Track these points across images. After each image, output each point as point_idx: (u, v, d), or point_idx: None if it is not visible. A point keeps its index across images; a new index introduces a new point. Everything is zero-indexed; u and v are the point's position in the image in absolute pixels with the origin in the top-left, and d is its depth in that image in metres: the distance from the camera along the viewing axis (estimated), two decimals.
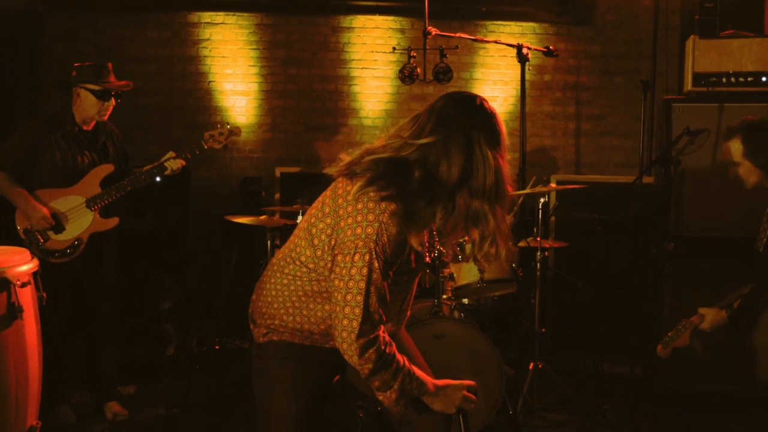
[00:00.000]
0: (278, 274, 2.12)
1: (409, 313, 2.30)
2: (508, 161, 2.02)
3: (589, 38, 5.53)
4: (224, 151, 4.16)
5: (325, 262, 2.01)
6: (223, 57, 5.52)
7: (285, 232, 4.05)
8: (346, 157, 2.06)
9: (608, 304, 4.40)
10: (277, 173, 5.29)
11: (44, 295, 2.82)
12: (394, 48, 5.19)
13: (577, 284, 4.26)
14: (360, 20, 5.52)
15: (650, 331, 4.26)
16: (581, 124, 5.59)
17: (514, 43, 4.33)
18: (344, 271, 1.93)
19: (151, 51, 5.49)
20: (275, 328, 2.12)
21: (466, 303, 4.01)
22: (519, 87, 4.40)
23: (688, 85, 4.19)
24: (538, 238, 4.01)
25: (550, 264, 4.83)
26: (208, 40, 5.50)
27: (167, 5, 5.48)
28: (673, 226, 4.18)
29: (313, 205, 2.11)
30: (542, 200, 4.02)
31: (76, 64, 3.71)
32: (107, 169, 3.72)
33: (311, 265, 2.04)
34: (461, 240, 2.10)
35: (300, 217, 4.06)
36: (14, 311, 2.57)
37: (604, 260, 4.41)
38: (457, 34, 4.44)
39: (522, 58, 4.29)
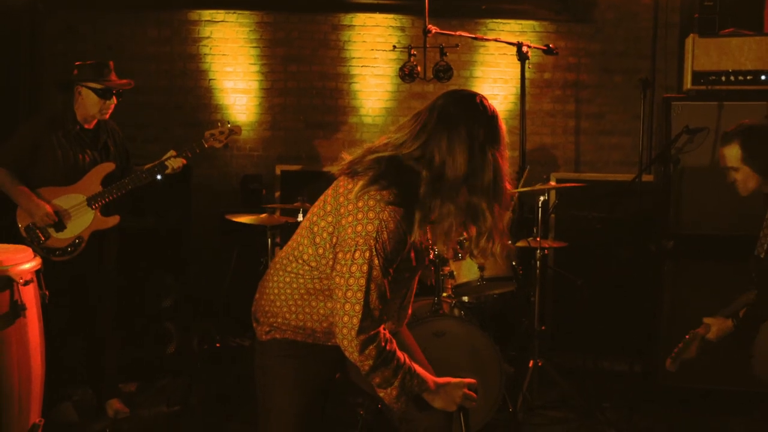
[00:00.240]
0: (281, 272, 2.13)
1: (410, 311, 2.32)
2: (507, 159, 2.03)
3: (588, 36, 5.53)
4: (225, 149, 4.16)
5: (326, 260, 2.02)
6: (223, 55, 5.51)
7: (285, 230, 4.06)
8: (347, 156, 2.08)
9: (608, 301, 4.41)
10: (278, 171, 5.29)
11: (47, 293, 2.82)
12: (394, 46, 5.20)
13: (576, 282, 4.27)
14: (360, 18, 5.52)
15: (650, 329, 4.27)
16: (581, 122, 5.59)
17: (514, 41, 4.35)
18: (345, 269, 1.94)
19: (151, 49, 5.48)
20: (278, 325, 2.13)
21: (466, 301, 4.02)
22: (519, 85, 4.41)
23: (688, 84, 4.19)
24: (538, 238, 4.02)
25: (550, 262, 4.83)
26: (208, 38, 5.50)
27: (167, 3, 5.47)
28: (673, 224, 4.18)
29: (315, 203, 2.12)
30: (542, 198, 4.03)
31: (77, 63, 3.71)
32: (108, 167, 3.73)
33: (313, 263, 2.05)
34: (461, 238, 2.11)
35: (300, 215, 4.07)
36: (17, 309, 2.57)
37: (603, 258, 4.42)
38: (457, 33, 4.45)
39: (522, 56, 4.30)
